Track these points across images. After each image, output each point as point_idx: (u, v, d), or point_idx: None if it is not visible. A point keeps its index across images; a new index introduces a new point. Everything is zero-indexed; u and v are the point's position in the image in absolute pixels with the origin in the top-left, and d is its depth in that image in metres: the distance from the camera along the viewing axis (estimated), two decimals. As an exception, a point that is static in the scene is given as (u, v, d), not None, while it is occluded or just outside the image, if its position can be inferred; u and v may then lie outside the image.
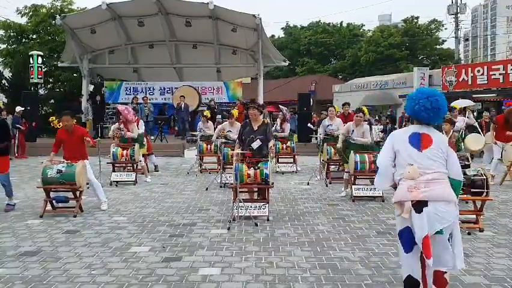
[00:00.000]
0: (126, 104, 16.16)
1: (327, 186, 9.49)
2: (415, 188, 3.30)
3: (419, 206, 3.27)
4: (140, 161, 10.10)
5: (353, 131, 8.34)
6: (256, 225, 6.17)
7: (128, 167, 10.43)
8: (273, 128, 12.15)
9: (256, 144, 6.77)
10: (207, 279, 4.31)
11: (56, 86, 24.61)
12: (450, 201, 3.31)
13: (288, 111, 13.73)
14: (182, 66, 22.09)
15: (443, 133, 6.67)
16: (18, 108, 15.70)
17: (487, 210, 6.65)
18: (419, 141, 3.44)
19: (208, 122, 12.09)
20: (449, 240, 3.35)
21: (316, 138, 11.91)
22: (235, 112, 11.07)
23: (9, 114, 15.13)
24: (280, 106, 13.24)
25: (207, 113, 12.50)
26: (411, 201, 3.30)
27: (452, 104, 11.61)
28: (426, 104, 3.46)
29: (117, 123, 10.43)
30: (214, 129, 11.89)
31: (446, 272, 3.41)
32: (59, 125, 15.05)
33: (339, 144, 8.59)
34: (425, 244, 3.22)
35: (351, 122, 8.59)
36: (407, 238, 3.36)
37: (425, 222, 3.24)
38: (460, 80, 22.37)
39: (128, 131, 10.12)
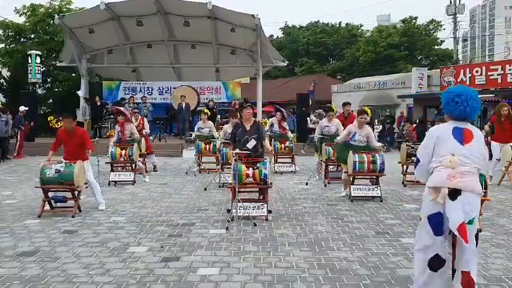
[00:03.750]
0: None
1: (325, 186, 9.49)
2: (453, 177, 3.51)
3: (454, 193, 3.49)
4: (139, 160, 10.08)
5: (355, 133, 8.18)
6: (255, 225, 6.17)
7: (127, 167, 10.42)
8: (272, 128, 12.14)
9: (251, 144, 6.80)
10: (206, 279, 4.31)
11: (54, 85, 24.58)
12: (478, 193, 3.60)
13: (287, 112, 13.75)
14: (181, 66, 22.05)
15: None
16: (22, 108, 15.63)
17: (485, 210, 6.65)
18: (461, 136, 3.65)
19: (208, 121, 11.95)
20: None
21: (312, 138, 11.89)
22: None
23: (10, 114, 15.11)
24: (279, 107, 13.24)
25: (208, 111, 12.39)
26: (448, 188, 3.50)
27: None
28: (464, 103, 3.66)
29: (117, 126, 10.38)
30: (216, 129, 11.92)
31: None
32: (58, 125, 14.97)
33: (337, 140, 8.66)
34: (463, 230, 3.37)
35: (352, 124, 8.38)
36: (437, 223, 3.56)
37: (460, 209, 3.44)
38: (458, 80, 22.37)
39: (125, 131, 10.13)
